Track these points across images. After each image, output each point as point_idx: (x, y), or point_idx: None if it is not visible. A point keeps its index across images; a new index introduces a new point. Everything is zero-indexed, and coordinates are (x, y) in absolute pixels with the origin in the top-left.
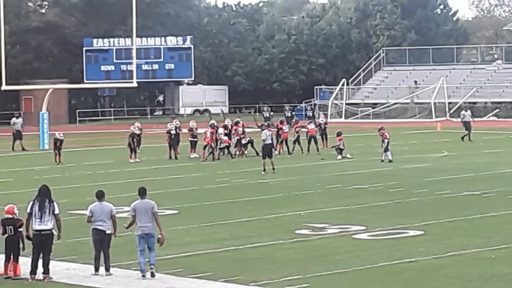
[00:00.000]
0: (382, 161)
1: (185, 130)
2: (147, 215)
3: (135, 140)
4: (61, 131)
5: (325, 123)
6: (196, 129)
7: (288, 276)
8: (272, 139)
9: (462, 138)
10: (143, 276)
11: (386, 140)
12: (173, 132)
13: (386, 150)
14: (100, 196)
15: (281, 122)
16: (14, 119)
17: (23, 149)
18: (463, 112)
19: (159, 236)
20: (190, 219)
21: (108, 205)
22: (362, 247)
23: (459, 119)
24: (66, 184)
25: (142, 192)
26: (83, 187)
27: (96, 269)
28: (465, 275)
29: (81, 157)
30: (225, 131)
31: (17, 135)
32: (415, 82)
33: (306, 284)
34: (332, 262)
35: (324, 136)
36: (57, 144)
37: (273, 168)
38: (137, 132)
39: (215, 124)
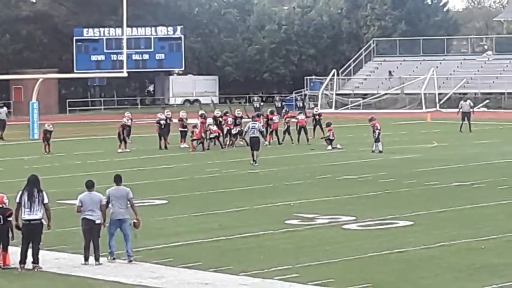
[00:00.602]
0: (373, 151)
1: (175, 120)
2: (122, 202)
3: (125, 130)
4: (51, 121)
5: (319, 114)
6: (186, 119)
7: (278, 266)
8: (260, 131)
9: (460, 129)
10: (113, 259)
11: (377, 131)
12: (163, 122)
13: (377, 140)
14: (89, 186)
15: (271, 113)
16: None
17: (1, 138)
18: (462, 102)
19: (135, 221)
20: (180, 209)
21: (97, 195)
22: (352, 237)
23: (449, 110)
24: (56, 173)
25: (118, 180)
26: (73, 177)
27: (86, 259)
28: (454, 266)
29: (71, 147)
30: (215, 122)
31: (1, 125)
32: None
33: (296, 274)
34: (322, 252)
35: (319, 127)
36: (47, 135)
37: (254, 160)
38: (129, 123)
39: (205, 114)
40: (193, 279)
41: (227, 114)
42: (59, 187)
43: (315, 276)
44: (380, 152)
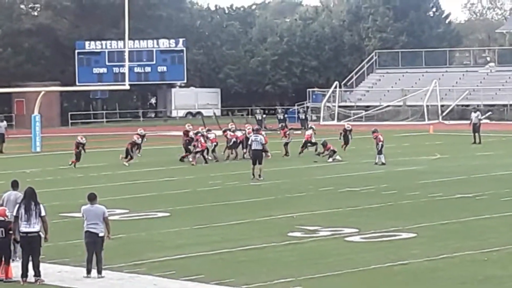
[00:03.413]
0: (376, 163)
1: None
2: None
3: (133, 148)
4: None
5: (350, 130)
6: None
7: (281, 279)
8: (262, 144)
9: (474, 141)
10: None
11: (380, 143)
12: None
13: (379, 152)
14: (92, 198)
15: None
16: None
17: (1, 152)
18: (472, 113)
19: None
20: (182, 221)
21: (100, 207)
22: (355, 249)
23: (452, 122)
24: (58, 186)
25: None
26: (75, 189)
27: (88, 272)
28: (457, 278)
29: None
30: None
31: (0, 138)
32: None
33: (298, 287)
34: (324, 265)
35: (347, 141)
36: (79, 148)
37: (259, 175)
38: (138, 141)
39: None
40: None
41: (225, 132)
42: (61, 200)
43: None
44: (383, 164)
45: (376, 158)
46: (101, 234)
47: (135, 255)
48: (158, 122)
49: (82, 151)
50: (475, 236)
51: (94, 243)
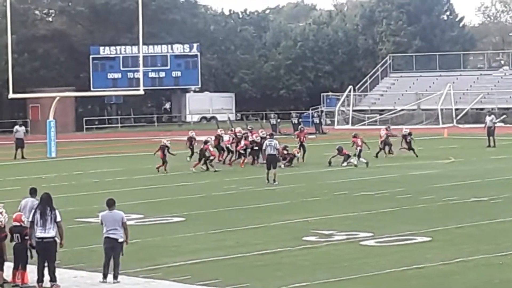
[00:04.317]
0: (356, 165)
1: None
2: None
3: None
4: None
5: (410, 133)
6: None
7: (296, 283)
8: (277, 148)
9: (488, 144)
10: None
11: (358, 148)
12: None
13: (358, 156)
14: (110, 204)
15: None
16: (17, 127)
17: (23, 157)
18: (487, 117)
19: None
20: (197, 226)
21: (118, 213)
22: (370, 253)
23: (466, 125)
24: (74, 192)
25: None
26: (90, 195)
27: (104, 276)
28: (472, 282)
29: (88, 165)
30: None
31: (19, 143)
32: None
33: None
34: (339, 269)
35: (411, 146)
36: (164, 151)
37: (274, 180)
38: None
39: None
40: None
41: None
42: (76, 206)
43: None
44: (355, 166)
45: (355, 160)
46: (120, 240)
47: (150, 260)
48: (173, 127)
49: (168, 154)
50: (490, 240)
51: (113, 248)
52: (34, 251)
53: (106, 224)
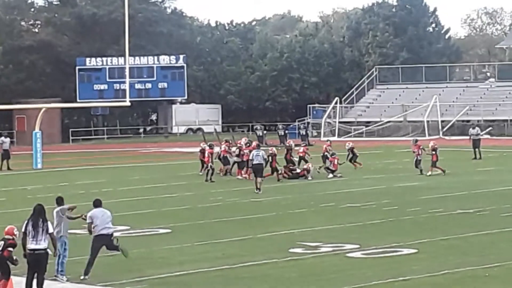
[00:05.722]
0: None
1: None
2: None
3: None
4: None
5: (352, 148)
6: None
7: None
8: (264, 158)
9: (474, 157)
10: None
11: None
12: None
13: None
14: (97, 204)
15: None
16: (2, 138)
17: (9, 168)
18: (470, 129)
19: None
20: (183, 238)
21: (107, 211)
22: (356, 265)
23: (453, 137)
24: None
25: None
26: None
27: (86, 273)
28: None
29: (74, 177)
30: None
31: (5, 155)
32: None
33: None
34: (326, 281)
35: (354, 158)
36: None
37: (258, 189)
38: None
39: (213, 145)
40: None
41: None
42: None
43: None
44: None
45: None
46: (113, 233)
47: (136, 271)
48: (159, 139)
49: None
50: (476, 252)
51: (107, 245)
52: (20, 262)
53: (97, 222)
